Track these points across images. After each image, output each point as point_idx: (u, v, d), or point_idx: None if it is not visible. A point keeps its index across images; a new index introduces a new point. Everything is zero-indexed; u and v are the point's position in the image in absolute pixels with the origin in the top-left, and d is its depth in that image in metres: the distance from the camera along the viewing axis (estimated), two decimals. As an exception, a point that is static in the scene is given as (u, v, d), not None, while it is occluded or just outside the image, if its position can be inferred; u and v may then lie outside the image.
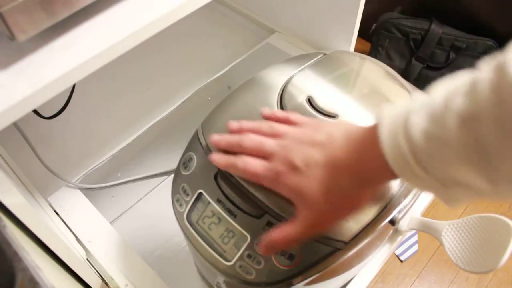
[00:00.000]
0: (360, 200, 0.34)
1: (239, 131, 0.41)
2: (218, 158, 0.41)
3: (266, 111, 0.43)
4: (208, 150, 0.45)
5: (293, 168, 0.35)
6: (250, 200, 0.42)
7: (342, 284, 0.55)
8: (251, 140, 0.38)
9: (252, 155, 0.38)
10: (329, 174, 0.34)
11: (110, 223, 0.66)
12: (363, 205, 0.35)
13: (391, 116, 0.30)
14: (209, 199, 0.44)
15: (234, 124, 0.42)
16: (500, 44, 1.18)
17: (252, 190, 0.42)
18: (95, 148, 0.72)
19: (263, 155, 0.38)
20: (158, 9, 0.38)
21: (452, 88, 0.27)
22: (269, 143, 0.37)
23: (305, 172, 0.34)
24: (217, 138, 0.42)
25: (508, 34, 1.18)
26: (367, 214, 0.40)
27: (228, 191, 0.42)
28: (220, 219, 0.43)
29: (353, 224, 0.40)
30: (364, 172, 0.33)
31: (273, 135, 0.38)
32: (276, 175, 0.36)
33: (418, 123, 0.28)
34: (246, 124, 0.41)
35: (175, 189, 0.47)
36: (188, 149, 0.48)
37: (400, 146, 0.28)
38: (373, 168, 0.32)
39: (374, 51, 1.30)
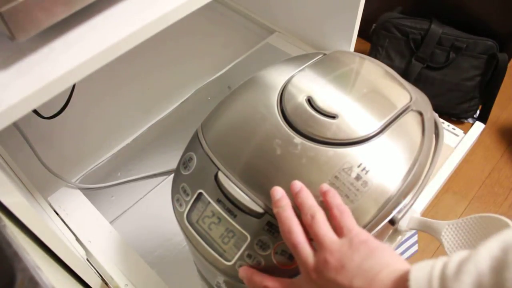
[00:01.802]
0: None
1: (295, 195, 0.39)
2: (244, 274, 0.41)
3: (323, 187, 0.40)
4: (208, 149, 0.45)
5: None
6: (250, 200, 0.42)
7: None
8: (292, 235, 0.37)
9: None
10: None
11: (110, 223, 0.66)
12: None
13: (422, 282, 0.28)
14: (209, 199, 0.44)
15: (296, 186, 0.40)
16: (500, 44, 1.18)
17: (252, 190, 0.42)
18: (95, 148, 0.72)
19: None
20: (158, 9, 0.38)
21: (498, 254, 0.25)
22: (303, 255, 0.36)
23: None
24: (277, 195, 0.40)
25: (508, 34, 1.19)
26: (367, 214, 0.40)
27: (228, 191, 0.42)
28: (220, 219, 0.43)
29: (353, 224, 0.40)
30: None
31: (308, 228, 0.37)
32: None
33: None
34: (302, 196, 0.39)
35: (175, 189, 0.47)
36: (188, 149, 0.48)
37: None
38: None
39: (374, 51, 1.30)
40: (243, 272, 0.41)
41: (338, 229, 0.37)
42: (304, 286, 0.37)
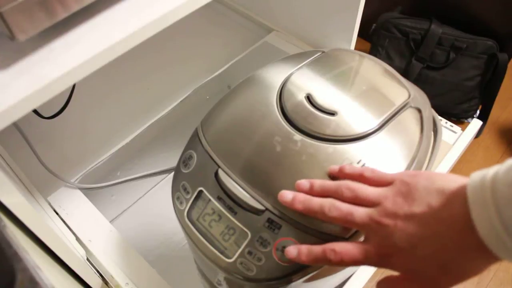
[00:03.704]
0: (472, 268, 0.32)
1: (310, 190, 0.37)
2: (293, 252, 0.37)
3: (334, 168, 0.38)
4: (208, 148, 0.46)
5: (398, 250, 0.32)
6: (251, 197, 0.42)
7: (341, 281, 0.55)
8: (337, 209, 0.35)
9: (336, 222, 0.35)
10: (439, 252, 0.32)
11: (110, 222, 0.66)
12: (476, 271, 0.32)
13: (478, 184, 0.30)
14: (209, 196, 0.44)
15: (304, 183, 0.38)
16: (500, 44, 1.18)
17: (252, 187, 0.42)
18: (95, 147, 0.72)
19: (351, 227, 0.36)
20: (158, 9, 0.38)
21: None
22: (359, 215, 0.34)
23: (413, 252, 0.32)
24: (288, 197, 0.38)
25: (508, 34, 1.18)
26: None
27: (228, 188, 0.43)
28: (220, 216, 0.43)
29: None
30: (468, 246, 0.31)
31: (355, 200, 0.35)
32: (380, 259, 0.33)
33: (505, 193, 0.27)
34: (318, 184, 0.37)
35: (175, 187, 0.47)
36: (188, 147, 0.48)
37: (490, 217, 0.28)
38: (473, 244, 0.30)
39: (374, 51, 1.30)
40: (292, 251, 0.37)
41: (379, 185, 0.36)
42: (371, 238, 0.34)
